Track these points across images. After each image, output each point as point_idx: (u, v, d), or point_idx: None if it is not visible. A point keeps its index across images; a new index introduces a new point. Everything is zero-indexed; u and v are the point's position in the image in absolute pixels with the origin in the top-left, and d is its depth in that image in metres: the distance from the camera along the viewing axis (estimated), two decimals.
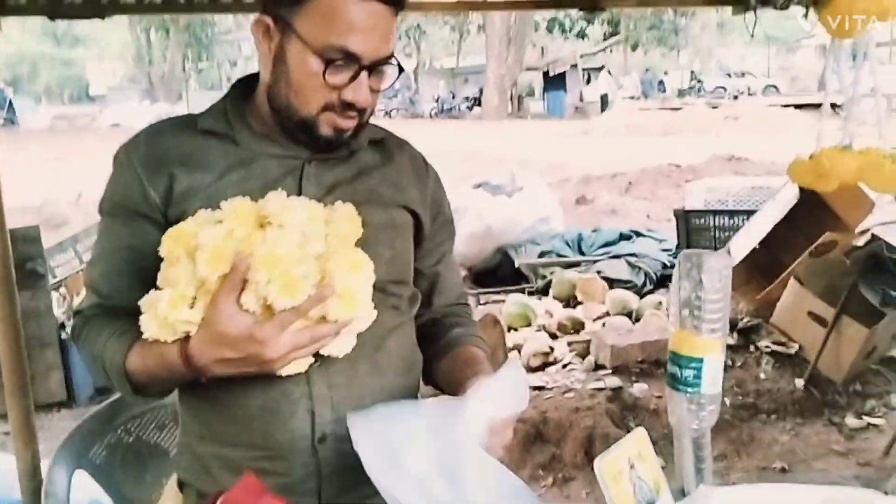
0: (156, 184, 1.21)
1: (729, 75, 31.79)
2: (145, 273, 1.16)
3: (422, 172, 1.40)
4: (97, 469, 1.60)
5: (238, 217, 1.08)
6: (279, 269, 1.03)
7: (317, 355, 1.13)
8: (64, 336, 3.89)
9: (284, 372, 1.10)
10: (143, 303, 1.09)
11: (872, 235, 3.87)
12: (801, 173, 2.73)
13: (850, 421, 3.48)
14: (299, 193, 1.22)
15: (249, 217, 1.09)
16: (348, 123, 1.22)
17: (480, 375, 1.23)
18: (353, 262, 1.09)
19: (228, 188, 1.19)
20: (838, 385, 3.71)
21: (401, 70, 1.25)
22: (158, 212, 1.21)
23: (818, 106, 2.89)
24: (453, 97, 30.07)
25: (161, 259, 1.12)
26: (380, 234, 1.27)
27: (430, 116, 28.09)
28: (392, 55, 1.22)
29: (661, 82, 31.19)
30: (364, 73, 1.18)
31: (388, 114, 28.28)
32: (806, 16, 2.56)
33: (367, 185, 1.30)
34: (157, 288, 1.11)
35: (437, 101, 29.47)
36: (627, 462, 1.04)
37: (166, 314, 1.06)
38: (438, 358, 1.38)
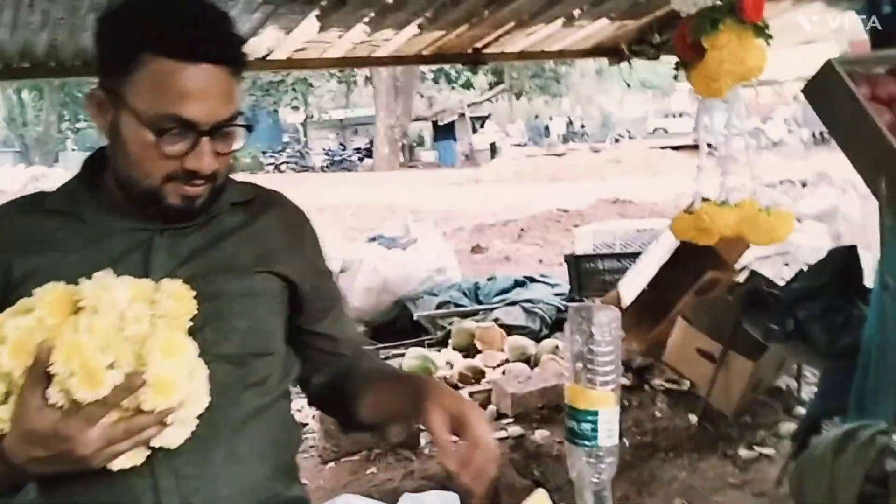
0: None
1: (675, 115, 32.48)
2: None
3: (296, 230, 1.34)
4: None
5: (49, 304, 1.01)
6: (80, 359, 0.96)
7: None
8: None
9: (116, 466, 1.02)
10: None
11: (751, 272, 4.06)
12: (683, 229, 2.84)
13: (743, 452, 3.60)
14: (146, 268, 1.16)
15: (62, 303, 1.01)
16: (197, 191, 1.16)
17: (422, 389, 1.22)
18: (170, 346, 1.01)
19: (70, 268, 1.12)
20: (730, 418, 3.84)
21: (249, 128, 1.20)
22: None
23: (695, 147, 3.03)
24: (344, 149, 30.17)
25: None
26: (235, 305, 1.20)
27: (322, 169, 28.03)
28: (235, 116, 1.16)
29: (546, 128, 32.20)
30: (205, 140, 1.12)
31: (277, 168, 28.05)
32: (676, 76, 2.70)
33: (223, 252, 1.23)
34: None
35: (327, 153, 29.49)
36: None
37: None
38: (358, 398, 1.34)
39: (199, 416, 1.09)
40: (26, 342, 0.98)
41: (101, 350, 0.97)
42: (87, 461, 1.00)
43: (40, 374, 0.98)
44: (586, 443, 1.21)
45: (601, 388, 1.21)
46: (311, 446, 3.93)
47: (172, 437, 1.05)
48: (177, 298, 1.06)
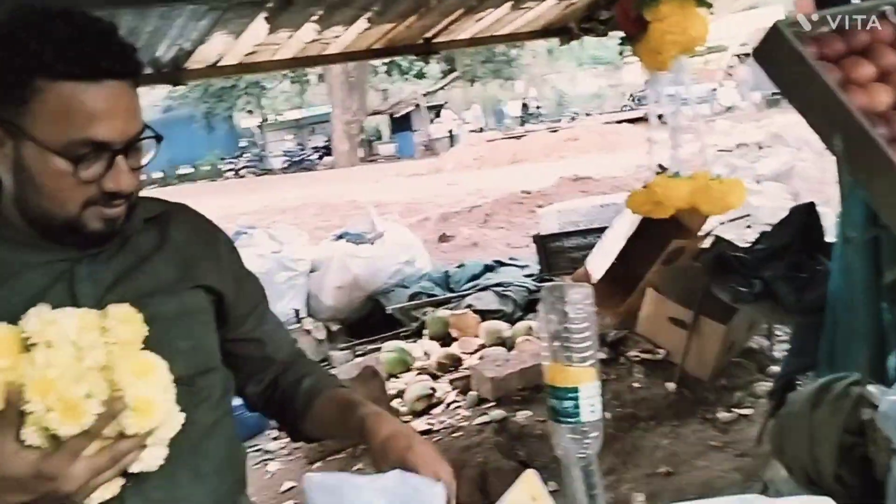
0: None
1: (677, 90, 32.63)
2: None
3: (209, 238, 1.31)
4: None
5: None
6: (55, 393, 0.92)
7: (127, 474, 1.03)
8: None
9: (94, 501, 1.00)
10: None
11: (716, 237, 4.11)
12: (639, 204, 2.89)
13: (722, 415, 3.66)
14: (73, 300, 1.11)
15: (9, 343, 0.97)
16: (117, 212, 1.11)
17: (365, 428, 1.21)
18: (141, 367, 0.99)
19: (9, 300, 1.07)
20: (706, 382, 3.90)
21: (158, 139, 1.15)
22: None
23: (647, 119, 3.07)
24: (302, 149, 29.96)
25: None
26: (173, 326, 1.17)
27: (282, 171, 27.82)
28: (143, 129, 1.11)
29: (501, 111, 32.23)
30: (120, 159, 1.08)
31: (237, 173, 27.79)
32: (621, 51, 2.74)
33: (148, 273, 1.19)
34: None
35: (286, 154, 29.27)
36: None
37: None
38: (302, 418, 1.33)
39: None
40: None
41: (74, 381, 0.94)
42: (73, 497, 0.97)
43: (12, 417, 0.94)
44: (569, 420, 1.22)
45: (579, 365, 1.23)
46: (297, 448, 3.92)
47: (151, 459, 1.03)
48: (127, 322, 1.04)
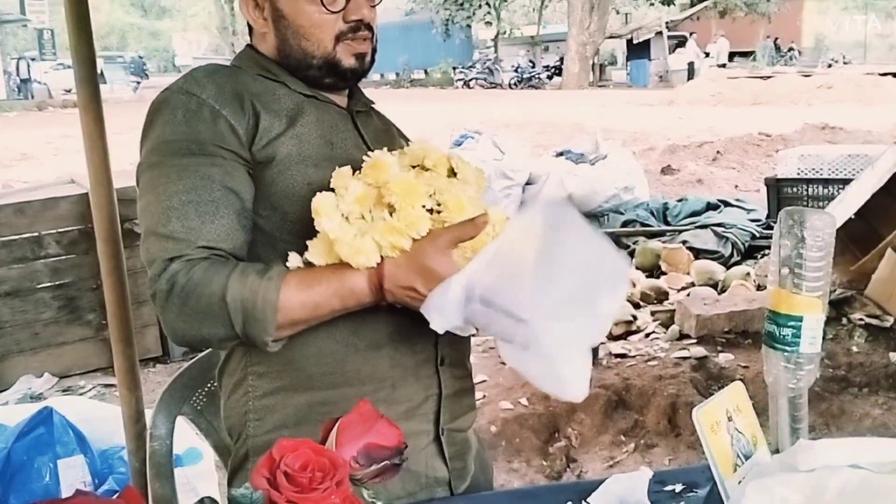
0: (241, 120, 1.18)
1: None
2: (244, 213, 1.17)
3: (399, 141, 1.46)
4: (197, 414, 1.66)
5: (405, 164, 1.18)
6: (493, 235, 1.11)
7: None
8: None
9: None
10: (331, 229, 1.09)
11: None
12: None
13: None
14: (364, 142, 1.29)
15: (385, 165, 1.15)
16: (364, 46, 1.27)
17: None
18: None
19: (308, 132, 1.23)
20: None
21: None
22: (245, 150, 1.18)
23: None
24: (533, 66, 29.74)
25: (249, 201, 1.18)
26: None
27: (510, 86, 27.85)
28: None
29: (780, 47, 29.78)
30: None
31: (466, 84, 28.16)
32: None
33: (394, 137, 1.38)
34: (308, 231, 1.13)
35: (516, 70, 29.21)
36: (725, 414, 1.04)
37: (382, 237, 1.09)
38: None
39: None
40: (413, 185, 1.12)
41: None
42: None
43: (466, 234, 1.10)
44: (787, 348, 1.18)
45: (808, 294, 1.18)
46: (492, 347, 4.05)
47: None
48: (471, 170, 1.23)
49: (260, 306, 1.09)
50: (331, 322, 1.16)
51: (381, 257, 1.10)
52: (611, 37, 28.64)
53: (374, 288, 1.11)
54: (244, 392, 1.26)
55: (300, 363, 1.21)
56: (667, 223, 5.84)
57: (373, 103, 1.41)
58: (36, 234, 3.72)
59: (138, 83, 26.47)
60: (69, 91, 22.57)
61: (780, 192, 5.25)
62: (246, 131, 1.18)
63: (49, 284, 3.78)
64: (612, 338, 4.16)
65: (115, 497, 0.63)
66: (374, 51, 1.30)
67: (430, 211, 1.12)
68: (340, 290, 1.11)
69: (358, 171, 1.15)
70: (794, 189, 5.23)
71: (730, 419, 1.04)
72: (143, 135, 1.20)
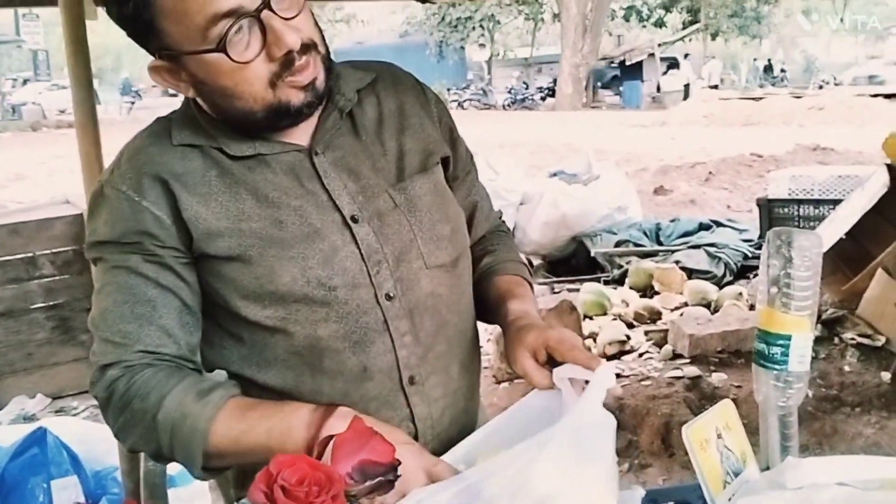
0: (164, 208, 1.06)
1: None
2: (185, 311, 1.08)
3: (421, 98, 1.23)
4: None
5: None
6: None
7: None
8: None
9: None
10: None
11: None
12: None
13: None
14: (329, 195, 1.11)
15: None
16: (307, 74, 1.04)
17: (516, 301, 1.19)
18: None
19: (248, 215, 1.08)
20: None
21: None
22: (176, 239, 1.07)
23: None
24: (527, 87, 29.93)
25: (195, 294, 1.08)
26: (431, 211, 1.16)
27: (504, 108, 28.01)
28: None
29: (772, 68, 30.01)
30: (266, 15, 0.98)
31: (461, 105, 28.32)
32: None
33: (390, 154, 1.16)
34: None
35: (510, 91, 29.40)
36: (715, 431, 1.05)
37: None
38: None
39: (437, 335, 1.15)
40: None
41: None
42: None
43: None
44: (776, 367, 1.20)
45: (796, 314, 1.20)
46: (486, 367, 4.06)
47: None
48: None
49: (187, 434, 1.01)
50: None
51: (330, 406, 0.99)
52: (603, 58, 28.89)
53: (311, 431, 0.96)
54: None
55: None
56: (660, 243, 5.87)
57: (356, 99, 1.17)
58: (30, 254, 3.73)
59: (132, 104, 26.55)
60: (63, 112, 22.64)
61: (772, 213, 5.29)
62: (172, 219, 1.07)
63: (43, 305, 3.78)
64: (606, 357, 4.17)
65: None
66: (328, 67, 1.07)
67: None
68: (278, 425, 0.99)
69: None
70: (786, 209, 5.27)
71: (719, 436, 1.06)
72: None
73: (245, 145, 1.10)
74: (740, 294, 4.78)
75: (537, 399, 1.05)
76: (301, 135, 1.12)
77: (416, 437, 1.13)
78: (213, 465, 1.04)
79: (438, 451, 1.02)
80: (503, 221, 1.42)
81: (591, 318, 4.72)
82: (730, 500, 1.01)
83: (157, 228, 1.06)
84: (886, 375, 3.65)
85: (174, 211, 1.06)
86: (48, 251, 3.75)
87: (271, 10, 0.99)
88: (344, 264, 1.09)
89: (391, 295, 1.11)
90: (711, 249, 5.45)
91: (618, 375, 3.87)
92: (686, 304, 4.88)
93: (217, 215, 1.07)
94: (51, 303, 3.79)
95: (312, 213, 1.09)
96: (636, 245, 5.79)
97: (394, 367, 1.12)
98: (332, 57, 1.11)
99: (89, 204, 1.13)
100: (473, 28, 31.05)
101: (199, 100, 1.10)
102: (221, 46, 0.98)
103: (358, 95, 1.17)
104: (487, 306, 1.26)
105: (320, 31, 1.08)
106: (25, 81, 29.18)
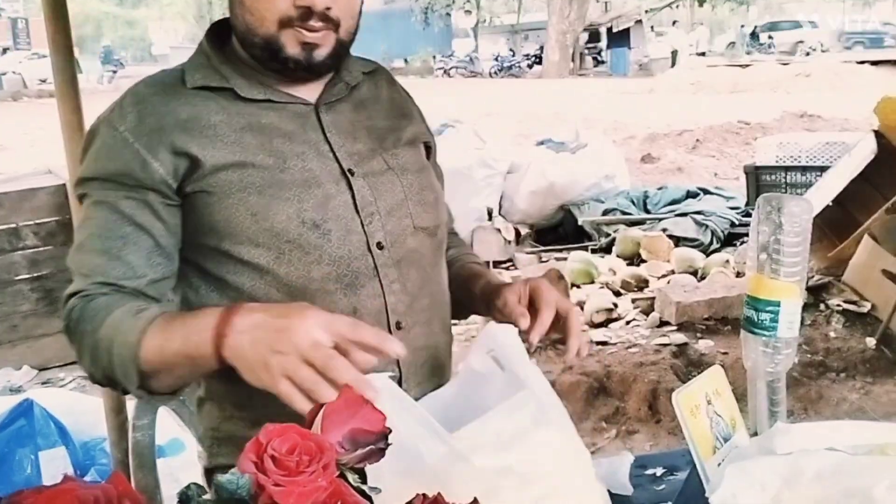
0: (157, 153, 1.10)
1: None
2: (156, 251, 1.11)
3: (410, 101, 1.37)
4: (180, 405, 1.66)
5: None
6: None
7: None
8: None
9: None
10: None
11: None
12: (889, 111, 2.60)
13: None
14: (330, 146, 1.17)
15: None
16: (315, 37, 1.11)
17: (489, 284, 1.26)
18: None
19: (251, 155, 1.12)
20: None
21: None
22: (166, 186, 1.10)
23: None
24: (513, 55, 29.71)
25: (173, 235, 1.11)
26: (418, 178, 1.24)
27: (490, 75, 27.83)
28: None
29: (758, 35, 29.86)
30: None
31: (447, 72, 28.11)
32: None
33: (383, 126, 1.25)
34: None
35: (496, 59, 29.18)
36: (705, 397, 1.05)
37: None
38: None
39: (422, 289, 1.20)
40: None
41: None
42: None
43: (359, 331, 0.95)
44: (765, 333, 1.20)
45: (786, 280, 1.19)
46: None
47: None
48: None
49: (119, 348, 1.02)
50: None
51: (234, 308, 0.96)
52: (590, 25, 28.69)
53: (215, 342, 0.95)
54: (207, 412, 1.28)
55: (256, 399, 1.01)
56: (647, 211, 5.87)
57: (360, 80, 1.27)
58: (13, 225, 3.69)
59: (114, 73, 26.20)
60: (44, 81, 22.30)
61: (759, 180, 5.30)
62: (165, 165, 1.10)
63: (27, 276, 3.75)
64: (594, 325, 4.19)
65: (102, 483, 0.63)
66: (341, 45, 1.14)
67: None
68: (192, 329, 0.98)
69: None
70: (773, 177, 5.28)
71: (709, 402, 1.06)
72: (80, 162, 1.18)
73: (256, 90, 1.16)
74: (727, 261, 4.80)
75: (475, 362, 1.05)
76: (309, 93, 1.19)
77: (399, 382, 1.16)
78: (151, 385, 1.04)
79: (417, 399, 0.99)
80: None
81: (578, 287, 4.73)
82: (719, 465, 1.01)
83: (142, 169, 1.09)
84: (871, 341, 3.69)
85: (169, 154, 1.09)
86: (31, 222, 3.71)
87: None
88: (338, 211, 1.14)
89: (382, 244, 1.17)
90: (698, 217, 5.46)
91: (605, 343, 3.89)
92: (673, 272, 4.90)
93: (222, 153, 1.11)
94: (35, 274, 3.76)
95: (313, 161, 1.15)
96: (623, 213, 5.79)
97: (382, 311, 1.17)
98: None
99: (86, 137, 1.16)
100: None
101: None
102: None
103: (363, 77, 1.28)
104: (461, 284, 1.32)
105: (356, 23, 1.16)
106: (5, 50, 28.69)
